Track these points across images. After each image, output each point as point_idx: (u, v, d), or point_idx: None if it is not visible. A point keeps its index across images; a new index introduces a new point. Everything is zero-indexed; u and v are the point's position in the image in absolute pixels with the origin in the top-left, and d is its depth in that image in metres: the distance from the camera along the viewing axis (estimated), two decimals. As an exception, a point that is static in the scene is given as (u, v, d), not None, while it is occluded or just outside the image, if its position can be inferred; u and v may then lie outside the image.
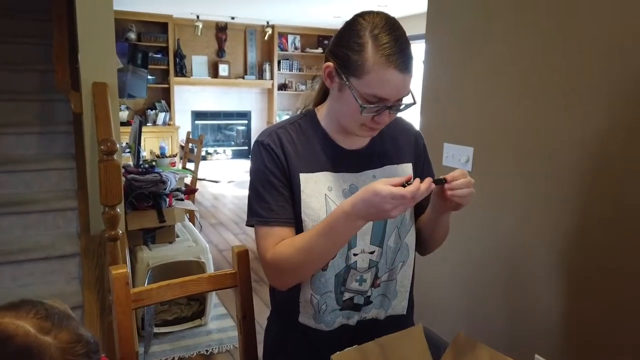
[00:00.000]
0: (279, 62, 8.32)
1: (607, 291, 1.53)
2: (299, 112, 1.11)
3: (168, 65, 7.40)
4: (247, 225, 1.04)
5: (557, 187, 1.66)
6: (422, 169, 1.14)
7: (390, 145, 1.09)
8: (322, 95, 1.09)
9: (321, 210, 0.99)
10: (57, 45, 2.78)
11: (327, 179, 1.02)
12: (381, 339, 0.95)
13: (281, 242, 0.99)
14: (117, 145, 1.99)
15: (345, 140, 1.05)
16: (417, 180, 0.87)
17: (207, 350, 2.54)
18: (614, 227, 1.49)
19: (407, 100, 0.96)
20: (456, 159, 2.12)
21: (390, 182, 0.86)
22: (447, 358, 1.00)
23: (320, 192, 1.01)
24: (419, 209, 1.13)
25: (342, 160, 1.04)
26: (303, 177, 1.01)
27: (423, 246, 1.16)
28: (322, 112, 1.06)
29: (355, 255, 1.03)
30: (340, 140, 1.05)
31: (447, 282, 2.21)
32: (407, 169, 1.10)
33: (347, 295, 1.05)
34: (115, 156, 1.98)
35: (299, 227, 1.01)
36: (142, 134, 3.49)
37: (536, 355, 1.78)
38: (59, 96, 2.91)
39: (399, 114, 1.01)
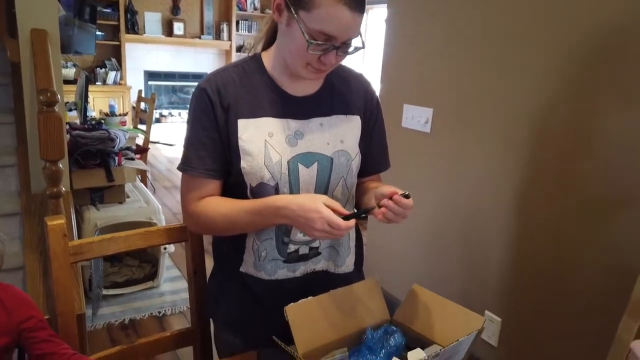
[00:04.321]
0: (237, 23, 8.02)
1: (557, 257, 1.57)
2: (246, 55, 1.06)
3: (118, 21, 6.99)
4: (177, 168, 1.01)
5: (515, 150, 1.67)
6: (372, 129, 1.11)
7: (340, 95, 1.06)
8: (270, 38, 1.04)
9: (259, 156, 0.96)
10: (-9, -12, 2.54)
11: (269, 124, 0.98)
12: (336, 291, 0.93)
13: (208, 199, 0.99)
14: (58, 96, 1.85)
15: (292, 86, 1.01)
16: (353, 221, 0.89)
17: (159, 312, 2.48)
18: (570, 190, 1.52)
19: (356, 43, 0.93)
20: (415, 120, 2.11)
21: (335, 206, 0.89)
22: (403, 309, 1.00)
23: (259, 138, 0.97)
24: (365, 163, 1.10)
25: (287, 106, 1.00)
26: (242, 123, 0.97)
27: None
28: (268, 56, 1.02)
29: None
30: (287, 85, 1.01)
31: (402, 243, 2.23)
32: (355, 121, 1.07)
33: (292, 248, 1.02)
34: (56, 108, 1.85)
35: (239, 179, 0.98)
36: (91, 93, 3.30)
37: (486, 312, 1.82)
38: (-5, 45, 2.68)
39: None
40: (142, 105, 4.53)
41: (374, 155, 1.11)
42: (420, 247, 2.13)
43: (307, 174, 0.98)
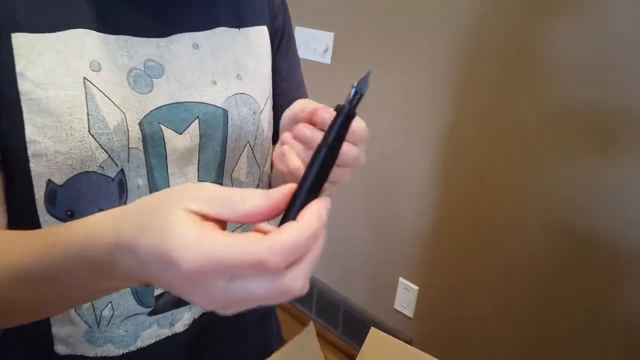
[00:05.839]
0: None
1: (485, 216, 1.33)
2: None
3: None
4: None
5: (441, 85, 1.37)
6: (279, 45, 0.64)
7: None
8: None
9: (74, 115, 0.43)
10: None
11: (91, 45, 0.46)
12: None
13: None
14: None
15: None
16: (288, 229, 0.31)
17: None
18: (505, 132, 1.27)
19: None
20: (311, 48, 1.67)
21: (251, 205, 0.30)
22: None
23: (71, 75, 0.44)
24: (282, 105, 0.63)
25: (127, 10, 0.49)
26: (23, 41, 0.43)
27: None
28: None
29: None
30: None
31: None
32: (259, 37, 0.59)
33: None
34: None
35: (23, 170, 0.44)
36: None
37: (401, 279, 1.62)
38: None
39: None
40: None
41: (291, 91, 0.65)
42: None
43: (181, 147, 0.50)
